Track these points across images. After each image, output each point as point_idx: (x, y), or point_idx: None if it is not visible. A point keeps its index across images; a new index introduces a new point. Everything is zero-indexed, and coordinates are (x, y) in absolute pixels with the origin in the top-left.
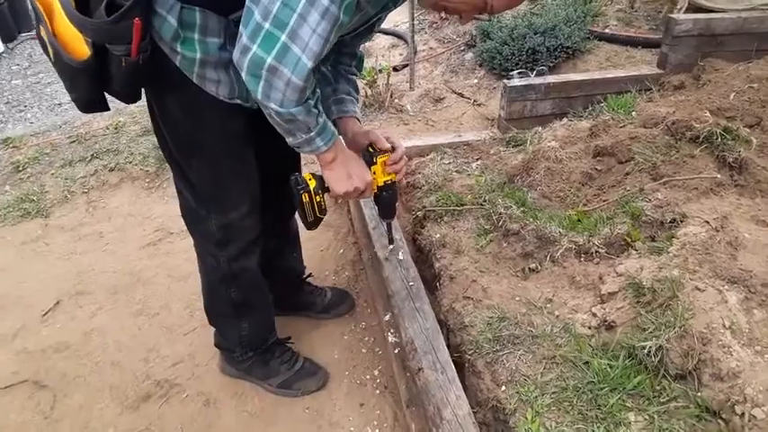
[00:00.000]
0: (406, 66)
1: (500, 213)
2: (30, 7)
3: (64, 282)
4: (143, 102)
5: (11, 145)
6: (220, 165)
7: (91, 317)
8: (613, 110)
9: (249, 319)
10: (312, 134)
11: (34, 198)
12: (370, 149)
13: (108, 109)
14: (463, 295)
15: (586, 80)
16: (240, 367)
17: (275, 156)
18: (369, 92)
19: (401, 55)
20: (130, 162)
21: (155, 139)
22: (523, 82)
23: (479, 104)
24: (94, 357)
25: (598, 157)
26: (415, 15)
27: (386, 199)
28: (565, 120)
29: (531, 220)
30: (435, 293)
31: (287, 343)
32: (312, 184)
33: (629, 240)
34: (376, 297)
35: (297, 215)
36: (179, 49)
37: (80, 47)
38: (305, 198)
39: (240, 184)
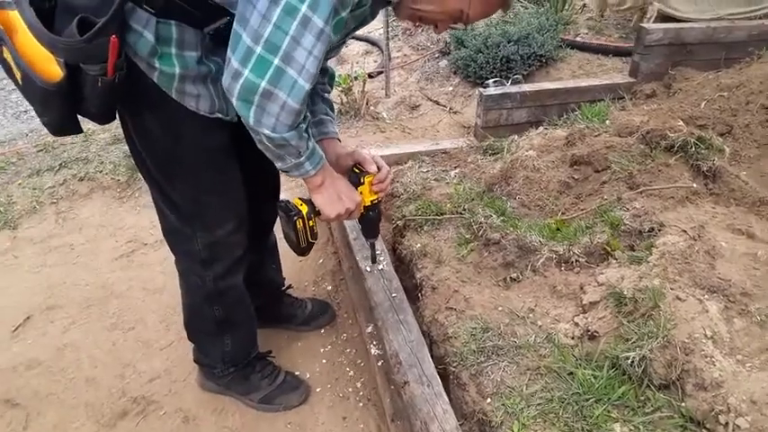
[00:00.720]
0: (381, 73)
1: (480, 222)
2: None
3: (34, 296)
4: None
5: None
6: (204, 181)
7: (63, 332)
8: (588, 118)
9: (232, 335)
10: (302, 159)
11: (1, 209)
12: (356, 170)
13: (81, 131)
14: (446, 306)
15: (561, 89)
16: (220, 382)
17: (259, 169)
18: (344, 99)
19: (375, 62)
20: (101, 171)
21: (125, 148)
22: (499, 90)
23: (455, 112)
24: (68, 374)
25: (575, 166)
26: (389, 22)
27: (371, 218)
28: (540, 128)
29: (512, 229)
30: (417, 304)
31: (268, 357)
32: (304, 209)
33: (608, 249)
34: (357, 308)
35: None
36: (157, 65)
37: (50, 68)
38: (299, 224)
39: (225, 199)
